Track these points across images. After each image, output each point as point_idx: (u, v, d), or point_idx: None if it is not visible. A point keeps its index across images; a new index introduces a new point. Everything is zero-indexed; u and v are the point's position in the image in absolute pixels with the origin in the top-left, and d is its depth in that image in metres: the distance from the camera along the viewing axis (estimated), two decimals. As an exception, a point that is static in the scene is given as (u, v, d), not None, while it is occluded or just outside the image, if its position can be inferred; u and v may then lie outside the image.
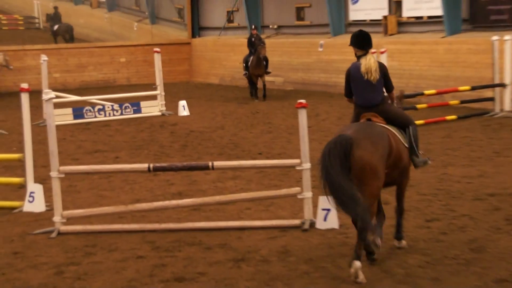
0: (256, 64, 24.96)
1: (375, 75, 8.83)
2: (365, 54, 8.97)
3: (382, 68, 8.96)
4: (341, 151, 8.02)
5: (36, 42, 34.18)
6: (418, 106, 19.14)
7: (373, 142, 8.25)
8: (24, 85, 12.06)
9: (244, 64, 25.70)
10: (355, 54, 9.12)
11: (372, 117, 8.85)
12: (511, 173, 12.93)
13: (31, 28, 42.92)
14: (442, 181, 12.57)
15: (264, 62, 25.06)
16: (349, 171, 8.07)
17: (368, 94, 8.92)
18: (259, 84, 26.00)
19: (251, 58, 25.23)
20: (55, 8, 37.21)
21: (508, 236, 9.37)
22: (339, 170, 7.95)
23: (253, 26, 26.48)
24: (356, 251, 8.07)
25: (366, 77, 8.83)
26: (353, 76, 8.98)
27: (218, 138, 18.22)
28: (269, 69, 25.54)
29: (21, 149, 12.25)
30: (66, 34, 35.97)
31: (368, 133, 8.34)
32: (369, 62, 8.87)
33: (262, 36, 31.21)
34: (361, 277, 7.93)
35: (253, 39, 25.61)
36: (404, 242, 9.10)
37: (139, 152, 16.81)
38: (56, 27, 36.18)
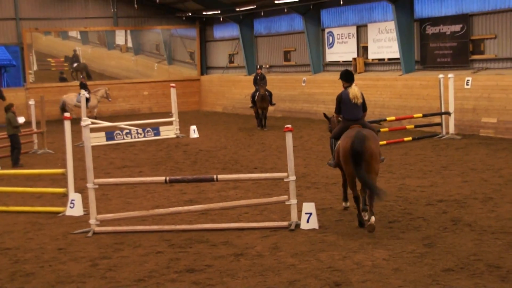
0: (261, 100, 23.67)
1: (360, 100, 10.39)
2: (350, 85, 10.48)
3: (362, 95, 10.52)
4: (360, 142, 9.50)
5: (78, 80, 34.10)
6: (382, 129, 19.09)
7: (375, 139, 9.85)
8: (67, 114, 12.02)
9: (251, 99, 24.30)
10: (343, 85, 10.54)
11: (358, 127, 10.19)
12: (455, 183, 12.87)
13: (89, 70, 42.87)
14: (401, 190, 12.50)
15: (268, 96, 23.80)
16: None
17: (354, 112, 10.39)
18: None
19: (257, 94, 23.90)
20: (74, 50, 37.11)
21: (453, 234, 9.30)
22: (363, 154, 9.48)
23: (257, 66, 25.17)
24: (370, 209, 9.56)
25: (354, 101, 10.34)
26: (344, 100, 10.41)
27: (222, 155, 18.13)
28: (274, 101, 24.63)
29: (64, 165, 12.15)
30: (83, 71, 35.99)
31: (370, 134, 9.88)
32: (355, 91, 10.39)
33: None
34: (372, 220, 9.39)
35: (258, 77, 24.41)
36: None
37: (158, 167, 16.71)
38: (75, 65, 36.19)
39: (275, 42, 30.59)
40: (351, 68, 25.56)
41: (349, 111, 10.39)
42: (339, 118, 10.75)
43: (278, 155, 17.40)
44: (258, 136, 22.12)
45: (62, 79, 33.72)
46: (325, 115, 11.90)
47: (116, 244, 9.60)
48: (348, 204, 11.10)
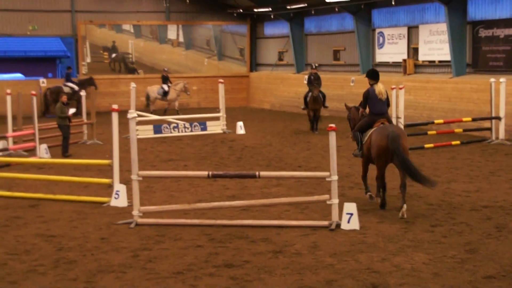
0: (313, 102, 22.17)
1: (384, 96, 11.43)
2: (376, 82, 11.54)
3: (387, 91, 11.59)
4: (396, 140, 10.51)
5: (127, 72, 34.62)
6: (429, 132, 18.85)
7: (405, 135, 10.88)
8: (115, 106, 12.16)
9: (304, 100, 22.81)
10: (369, 83, 11.61)
11: (384, 121, 11.32)
12: (502, 189, 12.62)
13: (127, 61, 43.44)
14: (446, 194, 12.31)
15: (322, 98, 22.25)
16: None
17: (380, 107, 11.45)
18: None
19: (309, 95, 22.42)
20: (113, 42, 37.61)
21: (497, 241, 9.12)
22: (401, 148, 10.52)
23: (313, 66, 23.79)
24: (403, 198, 10.57)
25: (379, 96, 11.39)
26: (371, 96, 11.46)
27: (267, 152, 18.15)
28: (327, 104, 22.83)
29: (111, 157, 12.33)
30: (122, 62, 36.45)
31: (401, 131, 11.03)
32: (380, 88, 11.48)
33: (305, 72, 31.17)
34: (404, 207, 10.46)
35: (312, 77, 22.95)
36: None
37: (204, 161, 16.82)
38: (113, 55, 36.67)
39: (325, 41, 30.44)
40: (401, 70, 25.29)
41: (375, 106, 11.45)
42: (364, 113, 11.81)
43: (323, 154, 17.33)
44: (304, 135, 22.06)
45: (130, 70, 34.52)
46: (346, 105, 12.92)
47: (158, 236, 9.70)
48: (370, 193, 11.67)
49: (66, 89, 29.39)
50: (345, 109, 13.09)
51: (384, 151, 10.70)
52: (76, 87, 29.71)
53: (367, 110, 11.69)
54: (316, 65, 23.99)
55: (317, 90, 22.29)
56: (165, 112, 28.17)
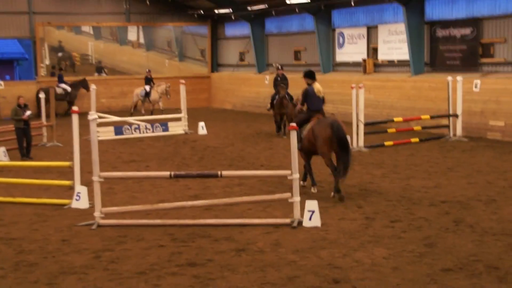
0: (280, 105, 21.11)
1: (322, 94, 12.64)
2: (313, 82, 12.71)
3: (323, 90, 12.73)
4: (341, 129, 11.83)
5: (89, 74, 34.23)
6: (389, 130, 19.09)
7: (344, 126, 12.07)
8: (75, 108, 12.10)
9: (271, 101, 21.84)
10: (307, 83, 12.76)
11: (320, 116, 12.49)
12: (460, 184, 12.88)
13: (85, 63, 43.01)
14: (405, 190, 12.51)
15: (288, 99, 20.80)
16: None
17: (318, 103, 12.65)
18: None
19: (276, 97, 21.42)
20: (59, 41, 37.24)
21: (455, 234, 9.31)
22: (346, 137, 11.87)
23: (279, 66, 23.03)
24: (337, 187, 11.79)
25: (317, 94, 12.56)
26: (310, 94, 12.64)
27: (229, 152, 18.19)
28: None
29: (72, 158, 12.24)
30: (68, 60, 36.06)
31: (340, 121, 12.16)
32: (318, 86, 12.64)
33: (266, 73, 31.28)
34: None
35: (278, 78, 22.18)
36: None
37: (166, 162, 16.78)
38: (60, 54, 36.38)
39: (285, 41, 30.61)
40: (361, 69, 25.58)
41: (314, 103, 12.62)
42: (301, 110, 12.88)
43: (284, 154, 17.43)
44: (266, 134, 22.16)
45: (53, 74, 33.61)
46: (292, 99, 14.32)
47: (120, 237, 9.66)
48: (306, 183, 12.99)
49: (59, 90, 29.45)
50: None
51: (330, 140, 11.86)
52: (69, 88, 29.90)
53: (305, 107, 12.84)
54: (279, 66, 23.71)
55: (284, 91, 21.36)
56: (151, 113, 27.88)
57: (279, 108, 21.32)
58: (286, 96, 21.30)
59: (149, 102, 29.01)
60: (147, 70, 30.74)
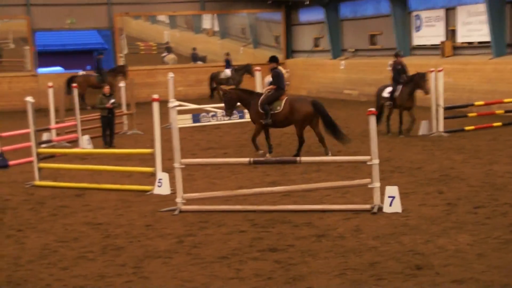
0: (409, 97, 17.61)
1: (287, 75, 14.75)
2: (277, 65, 15.51)
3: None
4: (322, 106, 14.82)
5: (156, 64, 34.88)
6: (469, 114, 18.66)
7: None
8: (155, 96, 12.35)
9: (389, 95, 17.99)
10: (274, 66, 15.33)
11: (286, 94, 15.29)
12: (546, 170, 12.48)
13: (163, 52, 43.78)
14: (488, 175, 12.22)
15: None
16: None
17: (284, 84, 15.30)
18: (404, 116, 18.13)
19: (399, 88, 17.77)
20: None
21: (542, 221, 9.06)
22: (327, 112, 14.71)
23: (401, 53, 19.23)
24: (327, 147, 15.07)
25: (285, 75, 15.37)
26: (281, 75, 15.18)
27: (306, 138, 18.09)
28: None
29: (152, 146, 12.54)
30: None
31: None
32: (282, 70, 15.62)
33: (342, 58, 31.03)
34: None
35: (399, 67, 18.15)
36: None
37: (243, 149, 16.93)
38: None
39: (360, 25, 30.25)
40: (439, 52, 25.02)
41: (282, 83, 15.11)
42: (270, 90, 15.15)
43: (362, 139, 17.28)
44: (343, 120, 22.00)
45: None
46: (223, 89, 16.66)
47: (201, 223, 9.85)
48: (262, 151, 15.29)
49: (223, 75, 30.58)
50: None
51: (310, 116, 14.64)
52: (229, 73, 30.71)
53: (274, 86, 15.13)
54: (352, 50, 23.19)
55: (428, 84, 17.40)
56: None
57: (407, 101, 17.64)
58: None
59: (230, 84, 29.23)
60: (226, 53, 31.02)
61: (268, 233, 9.13)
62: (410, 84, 17.64)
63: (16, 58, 36.86)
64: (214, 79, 30.52)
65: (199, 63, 36.38)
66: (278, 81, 15.09)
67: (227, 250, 8.45)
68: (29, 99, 13.33)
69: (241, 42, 39.83)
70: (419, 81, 17.32)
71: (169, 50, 39.15)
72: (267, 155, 15.20)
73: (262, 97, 15.23)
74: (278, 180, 12.72)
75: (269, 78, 29.61)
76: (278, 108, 14.93)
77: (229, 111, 15.85)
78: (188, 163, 11.11)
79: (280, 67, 14.72)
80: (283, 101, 14.97)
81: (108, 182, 12.95)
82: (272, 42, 37.22)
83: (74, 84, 19.05)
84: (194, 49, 37.60)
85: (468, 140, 16.47)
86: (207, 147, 17.62)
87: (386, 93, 18.19)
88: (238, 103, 15.91)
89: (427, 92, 17.28)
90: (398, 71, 18.10)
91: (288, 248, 8.41)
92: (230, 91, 15.79)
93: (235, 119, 22.54)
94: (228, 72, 29.63)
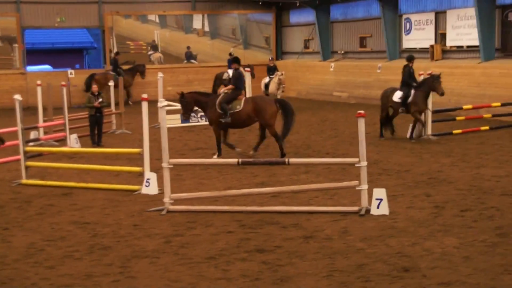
0: (424, 100, 17.18)
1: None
2: (239, 67, 15.93)
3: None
4: (289, 104, 15.55)
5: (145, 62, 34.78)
6: (458, 118, 18.76)
7: None
8: (144, 96, 12.33)
9: (400, 100, 17.39)
10: (236, 67, 15.79)
11: (244, 93, 15.89)
12: (533, 174, 12.56)
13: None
14: (475, 179, 12.29)
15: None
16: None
17: (243, 84, 15.80)
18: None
19: (414, 92, 17.18)
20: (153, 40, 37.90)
21: (529, 225, 9.11)
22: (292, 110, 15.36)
23: (414, 57, 18.00)
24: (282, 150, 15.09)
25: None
26: (241, 76, 15.64)
27: (294, 140, 18.20)
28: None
29: (141, 145, 12.51)
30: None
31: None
32: (243, 70, 16.43)
33: (332, 60, 31.08)
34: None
35: (412, 70, 17.56)
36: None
37: (231, 150, 16.89)
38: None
39: (351, 28, 30.33)
40: (428, 56, 25.13)
41: (241, 83, 15.54)
42: (228, 90, 15.45)
43: (350, 141, 17.35)
44: (331, 122, 22.08)
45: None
46: (181, 92, 16.25)
47: (189, 223, 9.85)
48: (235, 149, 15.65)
49: (225, 75, 29.88)
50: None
51: (276, 113, 15.22)
52: (230, 74, 30.00)
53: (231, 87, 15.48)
54: (342, 52, 23.01)
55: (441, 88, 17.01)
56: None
57: (424, 104, 17.25)
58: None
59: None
60: (229, 53, 30.54)
61: (256, 234, 9.13)
62: (423, 87, 17.21)
63: (5, 56, 36.70)
64: (218, 79, 30.31)
65: (193, 61, 36.34)
66: (237, 82, 15.50)
67: (214, 251, 8.45)
68: (17, 97, 13.27)
69: (231, 42, 39.83)
70: (433, 83, 16.96)
71: (155, 48, 39.13)
72: (237, 149, 15.70)
73: (220, 97, 15.49)
74: (266, 181, 12.72)
75: (265, 80, 29.82)
76: (238, 107, 15.27)
77: (187, 115, 16.39)
78: (176, 163, 11.10)
79: (240, 68, 15.54)
80: (242, 101, 15.37)
81: (96, 182, 12.92)
82: (262, 43, 37.26)
83: (63, 83, 18.93)
84: (188, 47, 37.58)
85: (456, 143, 16.56)
86: (195, 147, 17.61)
87: (396, 98, 17.57)
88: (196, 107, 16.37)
89: (442, 93, 17.05)
90: (410, 74, 17.53)
91: (275, 249, 8.42)
92: (186, 95, 16.00)
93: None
94: (230, 72, 29.58)
